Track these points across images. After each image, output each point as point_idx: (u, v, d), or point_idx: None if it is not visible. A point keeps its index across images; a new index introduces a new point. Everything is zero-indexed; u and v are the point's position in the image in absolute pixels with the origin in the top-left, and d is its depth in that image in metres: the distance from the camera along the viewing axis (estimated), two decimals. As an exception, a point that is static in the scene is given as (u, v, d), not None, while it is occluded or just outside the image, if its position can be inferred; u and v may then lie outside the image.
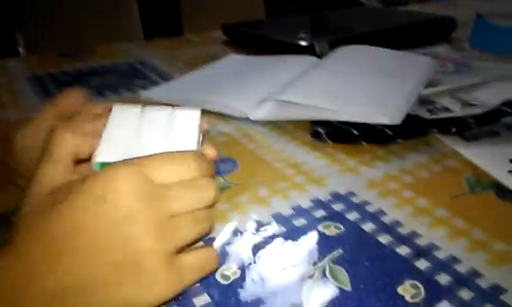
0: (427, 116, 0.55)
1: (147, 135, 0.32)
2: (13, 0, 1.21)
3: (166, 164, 0.28)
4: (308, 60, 0.68)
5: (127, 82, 0.69)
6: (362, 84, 0.56)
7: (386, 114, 0.47)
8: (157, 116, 0.34)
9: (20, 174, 0.38)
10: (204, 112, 0.36)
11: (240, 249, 0.34)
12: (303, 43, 0.74)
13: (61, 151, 0.30)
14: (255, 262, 0.32)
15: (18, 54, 1.24)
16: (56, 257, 0.25)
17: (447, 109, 0.57)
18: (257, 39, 0.83)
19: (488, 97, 0.60)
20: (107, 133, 0.32)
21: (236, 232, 0.36)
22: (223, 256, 0.33)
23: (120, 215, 0.25)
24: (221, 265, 0.32)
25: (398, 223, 0.36)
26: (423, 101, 0.59)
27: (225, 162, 0.46)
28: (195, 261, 0.29)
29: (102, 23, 1.27)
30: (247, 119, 0.54)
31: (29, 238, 0.25)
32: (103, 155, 0.30)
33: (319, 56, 0.71)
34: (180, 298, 0.29)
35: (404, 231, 0.35)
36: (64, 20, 1.24)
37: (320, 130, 0.50)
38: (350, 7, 1.13)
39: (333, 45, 0.73)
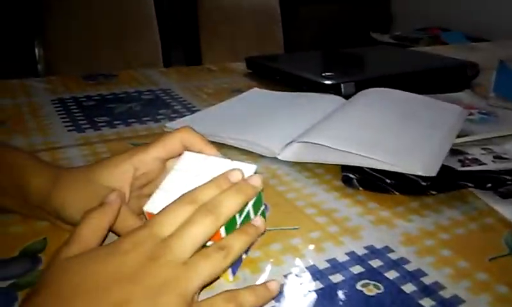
0: (458, 167, 0.54)
1: (200, 182, 0.33)
2: (32, 9, 1.21)
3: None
4: (335, 100, 0.68)
5: (152, 111, 0.68)
6: (393, 130, 0.55)
7: (421, 165, 0.46)
8: (216, 165, 0.35)
9: (51, 212, 0.37)
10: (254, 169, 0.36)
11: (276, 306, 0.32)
12: (329, 83, 0.73)
13: None
14: (292, 321, 0.31)
15: (36, 67, 1.24)
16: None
17: (478, 161, 0.56)
18: (282, 74, 0.82)
19: (521, 151, 0.59)
20: (166, 181, 0.35)
21: (270, 284, 0.34)
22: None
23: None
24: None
25: (439, 285, 0.35)
26: (453, 151, 0.58)
27: (256, 205, 0.45)
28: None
29: (122, 46, 1.28)
30: (274, 159, 0.54)
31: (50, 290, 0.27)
32: (152, 206, 0.33)
33: (345, 96, 0.71)
34: None
35: (446, 294, 0.34)
36: (84, 39, 1.25)
37: (352, 176, 0.49)
38: (365, 43, 1.13)
39: (359, 85, 0.72)
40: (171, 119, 0.65)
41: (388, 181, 0.48)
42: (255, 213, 0.35)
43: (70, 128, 0.61)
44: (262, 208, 0.36)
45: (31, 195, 0.37)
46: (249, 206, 0.34)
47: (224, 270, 0.31)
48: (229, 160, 0.36)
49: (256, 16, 1.49)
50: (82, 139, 0.58)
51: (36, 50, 1.26)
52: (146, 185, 0.38)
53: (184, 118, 0.65)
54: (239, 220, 0.33)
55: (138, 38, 1.29)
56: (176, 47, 1.51)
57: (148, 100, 0.73)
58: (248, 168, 0.35)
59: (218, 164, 0.35)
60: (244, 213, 0.34)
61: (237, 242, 0.30)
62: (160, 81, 0.84)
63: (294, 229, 0.41)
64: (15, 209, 0.40)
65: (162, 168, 0.38)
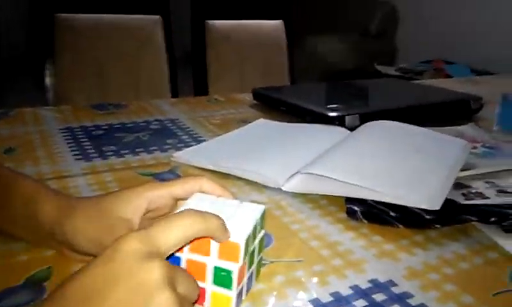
0: (462, 200, 0.54)
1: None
2: (43, 40, 1.25)
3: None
4: (339, 132, 0.69)
5: (159, 141, 0.69)
6: (397, 163, 0.55)
7: (425, 199, 0.46)
8: (225, 206, 0.35)
9: (61, 241, 0.38)
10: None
11: (280, 339, 0.32)
12: (333, 114, 0.74)
13: None
14: (295, 355, 0.31)
15: (45, 96, 1.27)
16: None
17: (482, 195, 0.56)
18: (287, 105, 0.84)
19: (525, 186, 0.59)
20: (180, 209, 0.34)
21: (273, 318, 0.34)
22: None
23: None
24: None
25: (443, 321, 0.35)
26: (456, 184, 0.58)
27: (260, 236, 0.45)
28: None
29: (131, 76, 1.31)
30: (278, 189, 0.54)
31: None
32: None
33: (349, 128, 0.72)
34: None
35: (450, 330, 0.34)
36: (94, 69, 1.28)
37: (356, 209, 0.49)
38: (370, 75, 1.15)
39: (363, 118, 0.73)
40: (178, 149, 0.66)
41: (392, 214, 0.48)
42: (259, 251, 0.36)
43: (78, 157, 0.62)
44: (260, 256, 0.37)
45: (41, 223, 0.37)
46: (256, 244, 0.35)
47: None
48: (238, 201, 0.36)
49: (263, 48, 1.52)
50: (89, 168, 0.59)
51: (47, 79, 1.29)
52: (156, 218, 0.39)
53: (191, 148, 0.66)
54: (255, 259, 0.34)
55: (147, 68, 1.32)
56: (184, 76, 1.54)
57: (156, 130, 0.75)
58: (256, 208, 0.36)
59: (227, 203, 0.36)
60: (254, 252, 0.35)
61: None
62: (169, 111, 0.86)
63: (298, 261, 0.42)
64: (24, 238, 0.40)
65: (175, 206, 0.39)
